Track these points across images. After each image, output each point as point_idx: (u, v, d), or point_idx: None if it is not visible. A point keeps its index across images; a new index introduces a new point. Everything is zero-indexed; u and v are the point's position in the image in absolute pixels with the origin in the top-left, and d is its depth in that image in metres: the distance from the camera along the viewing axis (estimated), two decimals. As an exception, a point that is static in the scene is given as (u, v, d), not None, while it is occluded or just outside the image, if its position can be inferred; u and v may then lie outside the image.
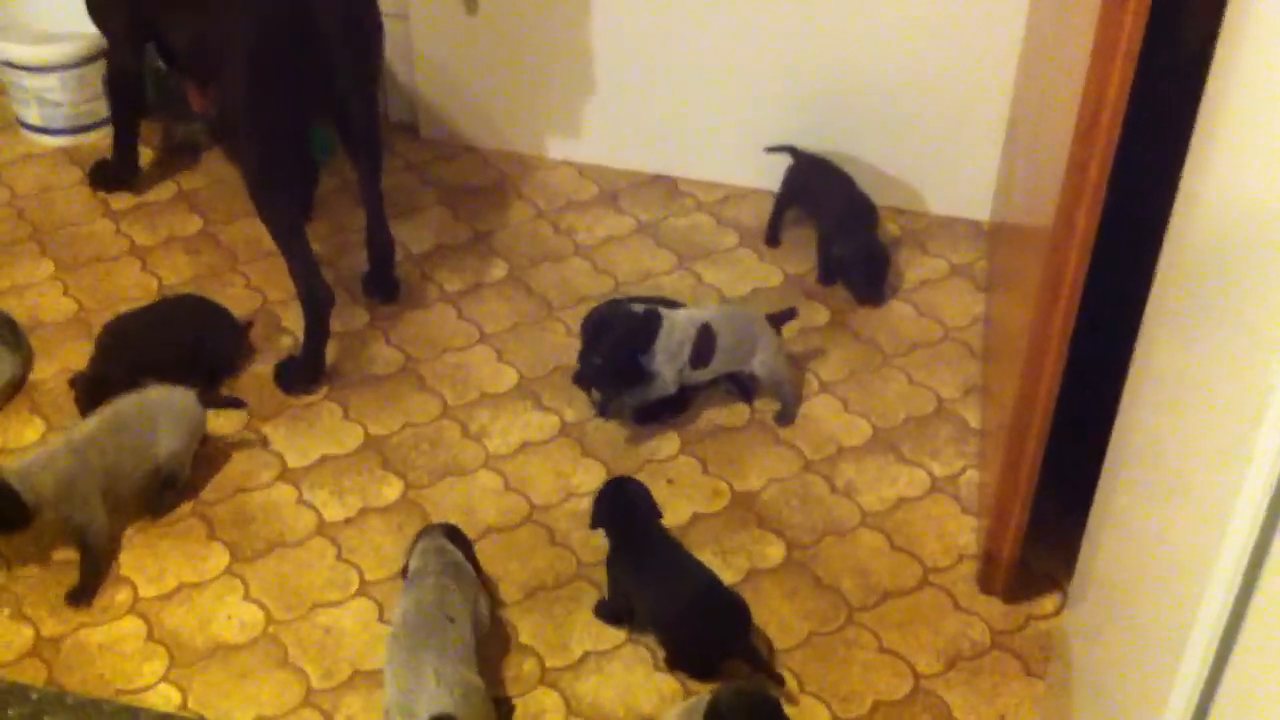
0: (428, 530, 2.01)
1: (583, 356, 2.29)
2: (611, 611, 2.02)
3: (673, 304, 2.43)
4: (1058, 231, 1.70)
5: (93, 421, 2.12)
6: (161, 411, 2.16)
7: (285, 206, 2.38)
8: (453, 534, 1.99)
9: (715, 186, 2.92)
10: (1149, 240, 1.65)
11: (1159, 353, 1.63)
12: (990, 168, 2.76)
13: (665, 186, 2.94)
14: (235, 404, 2.34)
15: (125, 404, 2.15)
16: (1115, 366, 1.78)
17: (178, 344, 2.37)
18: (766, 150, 2.80)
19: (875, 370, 2.48)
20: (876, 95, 2.75)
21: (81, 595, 2.04)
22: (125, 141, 2.86)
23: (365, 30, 2.34)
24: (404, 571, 1.96)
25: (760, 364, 2.33)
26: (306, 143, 2.38)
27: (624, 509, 2.03)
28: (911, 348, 2.53)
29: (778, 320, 2.37)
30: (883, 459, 2.29)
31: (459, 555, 1.95)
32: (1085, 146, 1.61)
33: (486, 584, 2.02)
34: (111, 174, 2.88)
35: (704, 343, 2.28)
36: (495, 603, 2.02)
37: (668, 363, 2.26)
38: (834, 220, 2.69)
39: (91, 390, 2.25)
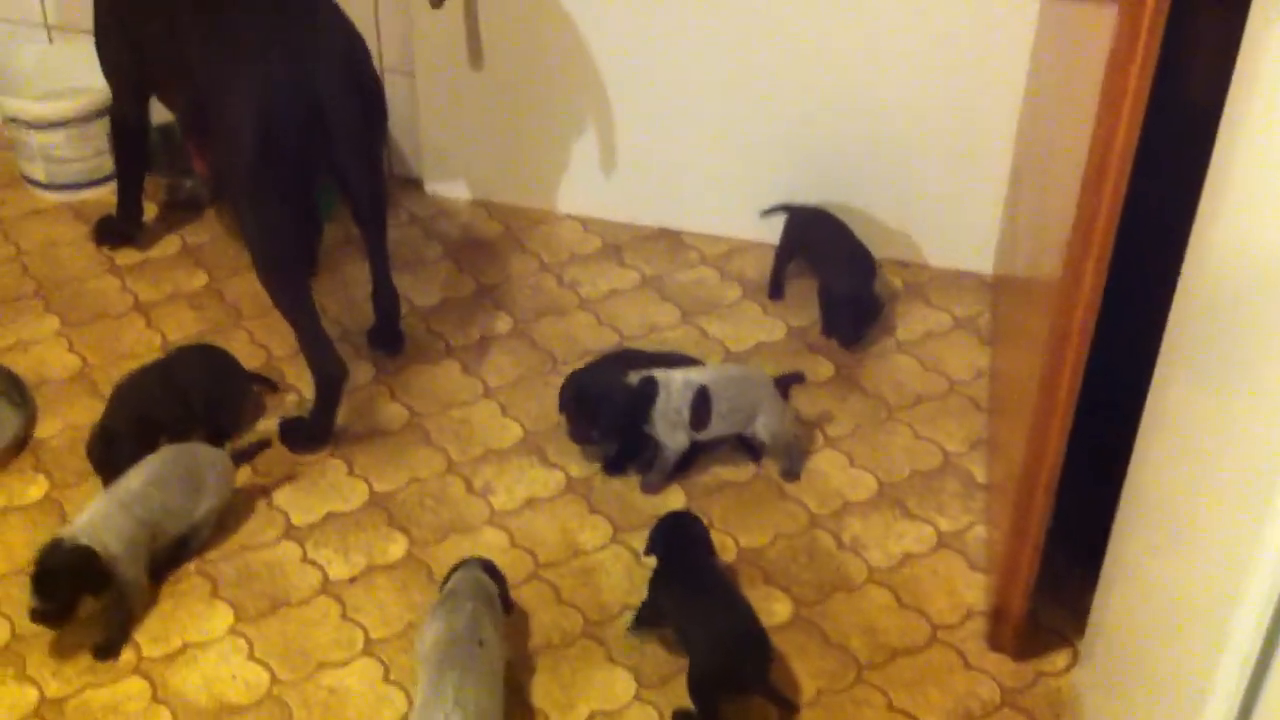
0: (465, 562, 2.04)
1: (577, 430, 2.28)
2: (641, 620, 2.06)
3: (664, 358, 2.43)
4: (1065, 285, 1.70)
5: (138, 479, 2.13)
6: (206, 469, 2.18)
7: (291, 279, 2.35)
8: (489, 568, 2.02)
9: (719, 240, 2.92)
10: (1159, 287, 1.65)
11: (1172, 401, 1.62)
12: (993, 220, 2.76)
13: (669, 240, 2.95)
14: (261, 447, 2.34)
15: (169, 461, 2.17)
16: (1126, 414, 1.78)
17: (188, 395, 2.36)
18: (762, 214, 2.82)
19: (880, 424, 2.47)
20: (878, 148, 2.76)
21: (110, 650, 2.03)
22: (129, 195, 2.86)
23: (367, 97, 2.32)
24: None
25: (763, 426, 2.31)
26: (311, 209, 2.35)
27: (680, 543, 2.07)
28: (916, 401, 2.52)
29: (784, 383, 2.35)
30: (889, 514, 2.28)
31: (494, 588, 1.98)
32: (1093, 199, 1.61)
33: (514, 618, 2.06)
34: (116, 229, 2.88)
35: (701, 406, 2.26)
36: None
37: (670, 429, 2.26)
38: (834, 268, 2.69)
39: (100, 444, 2.25)
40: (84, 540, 2.00)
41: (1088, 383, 1.80)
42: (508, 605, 2.03)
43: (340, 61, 2.25)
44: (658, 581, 2.06)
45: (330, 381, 2.37)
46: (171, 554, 2.16)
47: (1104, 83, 1.51)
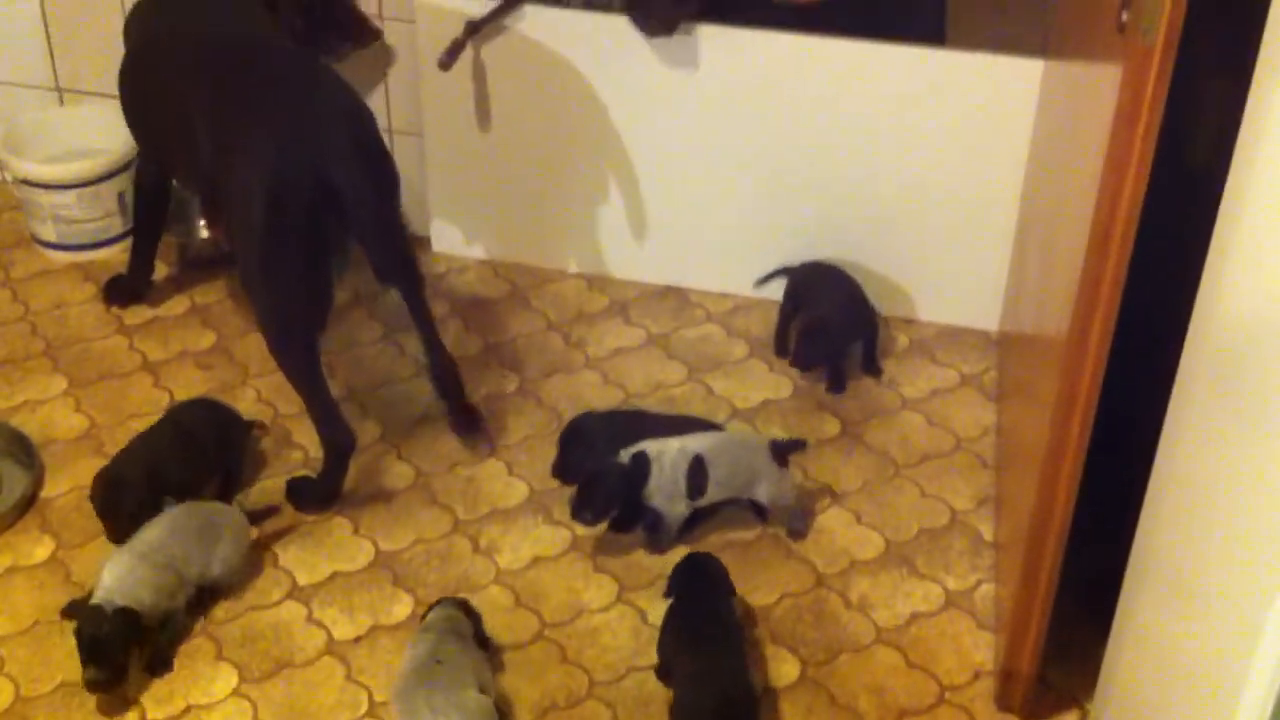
0: (440, 601, 2.10)
1: (576, 510, 2.28)
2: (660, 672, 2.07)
3: (667, 420, 2.45)
4: (1072, 345, 1.70)
5: (154, 530, 2.15)
6: (220, 522, 2.21)
7: (300, 350, 2.33)
8: (464, 606, 2.10)
9: (725, 297, 2.93)
10: (1166, 343, 1.65)
11: (1181, 459, 1.62)
12: (999, 277, 2.77)
13: (675, 298, 2.96)
14: (270, 511, 2.36)
15: (183, 514, 2.19)
16: (1135, 469, 1.77)
17: (196, 447, 2.38)
18: (756, 284, 2.83)
19: (887, 481, 2.46)
20: (883, 206, 2.77)
21: (164, 664, 2.09)
22: (143, 254, 2.86)
23: (375, 163, 2.31)
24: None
25: (764, 492, 2.31)
26: (324, 281, 2.31)
27: (694, 582, 2.10)
28: (923, 459, 2.52)
29: (783, 450, 2.33)
30: (896, 573, 2.27)
31: (465, 623, 2.05)
32: (1098, 262, 1.62)
33: (494, 655, 2.09)
34: (126, 287, 2.89)
35: (697, 474, 2.26)
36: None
37: (668, 501, 2.26)
38: (820, 301, 2.73)
39: (105, 488, 2.26)
40: (120, 601, 2.02)
41: (1096, 438, 1.80)
42: (483, 641, 2.08)
43: (346, 129, 2.25)
44: (667, 619, 2.07)
45: (338, 450, 2.37)
46: (191, 607, 2.17)
47: (1108, 146, 1.52)
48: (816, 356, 2.67)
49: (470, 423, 2.55)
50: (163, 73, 2.45)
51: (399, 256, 2.41)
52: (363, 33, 2.83)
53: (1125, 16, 1.49)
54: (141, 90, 2.54)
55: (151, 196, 2.80)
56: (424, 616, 2.08)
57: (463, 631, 2.03)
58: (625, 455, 2.27)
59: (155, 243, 2.87)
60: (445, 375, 2.53)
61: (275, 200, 2.16)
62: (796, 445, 2.36)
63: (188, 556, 2.14)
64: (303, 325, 2.31)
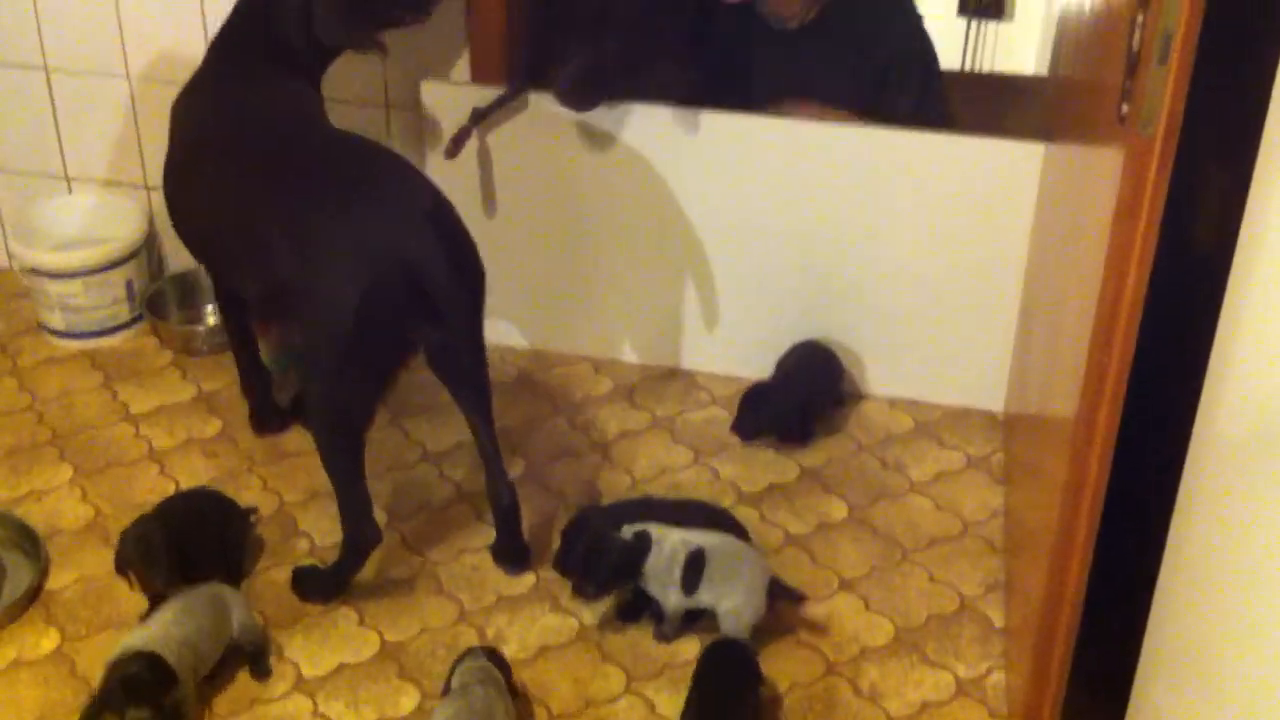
0: (470, 651, 2.10)
1: (577, 586, 2.27)
2: None
3: (679, 506, 2.44)
4: (1078, 434, 1.70)
5: (169, 609, 2.14)
6: (228, 600, 2.20)
7: (352, 449, 2.26)
8: (494, 656, 2.09)
9: (730, 380, 2.93)
10: (1177, 422, 1.65)
11: (1194, 544, 1.61)
12: (1003, 358, 2.77)
13: (680, 380, 2.96)
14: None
15: (191, 594, 2.18)
16: (1147, 552, 1.76)
17: (207, 532, 2.37)
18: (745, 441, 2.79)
19: (895, 566, 2.45)
20: (886, 288, 2.78)
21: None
22: (248, 373, 2.76)
23: (466, 259, 2.18)
24: (445, 690, 2.05)
25: (730, 605, 2.21)
26: (394, 380, 2.22)
27: (715, 673, 2.09)
28: (931, 543, 2.50)
29: (781, 593, 2.27)
30: (906, 660, 2.25)
31: (497, 673, 2.03)
32: (1103, 351, 1.62)
33: (521, 706, 2.09)
34: (257, 414, 2.80)
35: (694, 568, 2.21)
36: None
37: (662, 589, 2.23)
38: (783, 385, 2.77)
39: (139, 540, 2.26)
40: (149, 649, 2.03)
41: (1106, 522, 1.79)
42: (514, 692, 2.07)
43: (437, 228, 2.12)
44: (687, 707, 2.06)
45: (361, 547, 2.33)
46: (254, 666, 2.20)
47: (1110, 237, 1.53)
48: (749, 427, 2.70)
49: (518, 557, 2.43)
50: (219, 166, 2.34)
51: (480, 365, 2.30)
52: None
53: (1125, 108, 1.51)
54: (194, 185, 2.42)
55: (234, 314, 2.68)
56: (454, 668, 2.06)
57: (500, 684, 2.02)
58: (629, 531, 2.26)
59: (255, 359, 2.75)
60: (505, 503, 2.41)
61: (367, 304, 2.05)
62: (796, 596, 2.30)
63: (202, 629, 2.13)
64: (361, 424, 2.26)
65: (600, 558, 2.23)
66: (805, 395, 2.75)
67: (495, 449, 2.38)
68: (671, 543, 2.23)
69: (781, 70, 2.83)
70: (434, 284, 2.10)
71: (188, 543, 2.32)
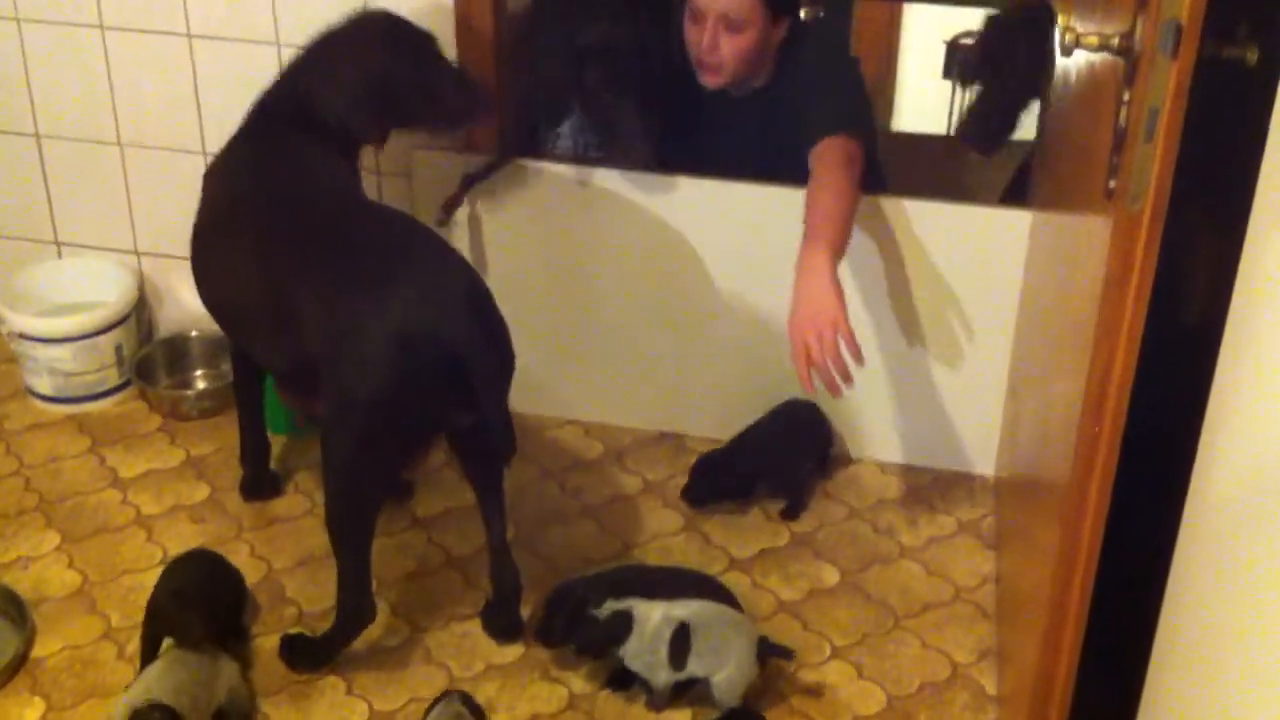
0: (446, 694, 2.14)
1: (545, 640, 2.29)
2: None
3: (666, 574, 2.44)
4: (1070, 505, 1.70)
5: (159, 664, 2.16)
6: (220, 659, 2.21)
7: (368, 522, 2.25)
8: (468, 701, 2.13)
9: (719, 443, 2.92)
10: (1171, 487, 1.65)
11: (1188, 609, 1.60)
12: (993, 421, 2.77)
13: (671, 444, 2.96)
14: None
15: (179, 650, 2.19)
16: (1142, 617, 1.76)
17: (220, 591, 2.38)
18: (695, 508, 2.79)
19: (887, 633, 2.44)
20: (876, 351, 2.78)
21: None
22: (253, 437, 2.74)
23: (499, 339, 2.19)
24: None
25: (723, 678, 2.19)
26: (422, 456, 2.24)
27: None
28: (923, 609, 2.50)
29: (769, 652, 2.24)
30: (900, 729, 2.24)
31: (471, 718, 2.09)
32: (1094, 422, 1.62)
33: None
34: (249, 483, 2.78)
35: (679, 643, 2.18)
36: None
37: (647, 669, 2.22)
38: (742, 453, 2.79)
39: (175, 598, 2.27)
40: (164, 700, 2.05)
41: (1100, 586, 1.79)
42: None
43: (470, 306, 2.13)
44: None
45: (357, 620, 2.31)
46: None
47: (1100, 310, 1.54)
48: (701, 494, 2.73)
49: (510, 629, 2.42)
50: (252, 237, 2.31)
51: (502, 446, 2.28)
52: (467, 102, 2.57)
53: (1113, 184, 1.52)
54: (224, 254, 2.38)
55: (246, 380, 2.67)
56: (427, 713, 2.07)
57: None
58: (609, 609, 2.23)
59: (259, 425, 2.73)
60: (510, 589, 2.41)
61: (398, 386, 2.06)
62: (785, 653, 2.28)
63: (195, 681, 2.13)
64: (378, 499, 2.27)
65: (576, 637, 2.23)
66: (770, 473, 2.76)
67: (503, 529, 2.37)
68: (654, 622, 2.20)
69: (728, 139, 2.82)
70: (469, 367, 2.08)
71: (213, 599, 2.33)
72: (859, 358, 2.31)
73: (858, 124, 2.62)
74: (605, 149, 2.76)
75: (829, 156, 2.52)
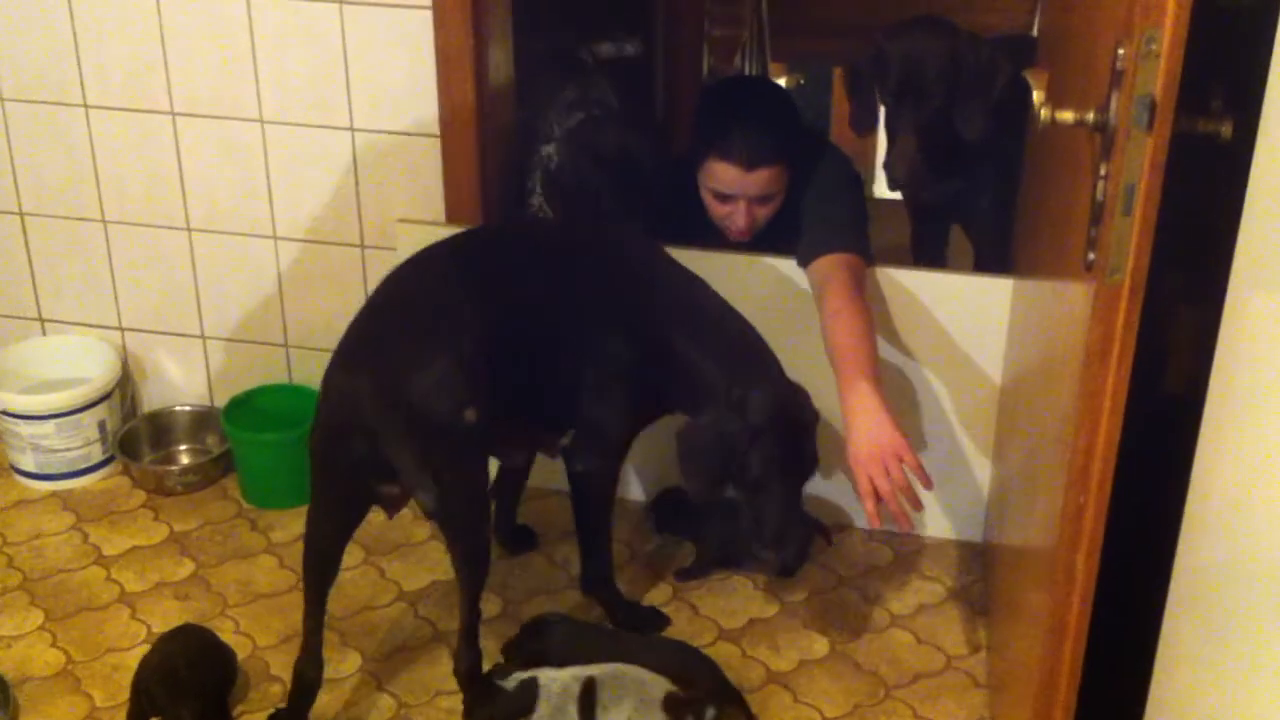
0: None
1: None
2: None
3: (640, 644, 2.44)
4: (1058, 576, 1.70)
5: None
6: None
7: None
8: None
9: (707, 513, 2.92)
10: (1158, 552, 1.65)
11: (1179, 676, 1.60)
12: (980, 487, 2.77)
13: (658, 513, 2.95)
14: None
15: None
16: (1133, 685, 1.75)
17: (211, 667, 2.37)
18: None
19: (879, 704, 2.42)
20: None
21: None
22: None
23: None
24: None
25: None
26: None
27: None
28: (914, 678, 2.48)
29: (681, 705, 2.23)
30: (893, 801, 2.22)
31: None
32: (1078, 493, 1.63)
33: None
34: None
35: (587, 699, 2.19)
36: None
37: None
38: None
39: (163, 675, 2.27)
40: None
41: (1091, 653, 1.78)
42: None
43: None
44: None
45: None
46: None
47: (1081, 381, 1.54)
48: (665, 524, 2.82)
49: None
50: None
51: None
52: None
53: (1092, 255, 1.53)
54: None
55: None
56: None
57: None
58: (515, 680, 2.23)
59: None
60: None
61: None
62: (697, 705, 2.25)
63: None
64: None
65: (484, 712, 2.22)
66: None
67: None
68: (561, 682, 2.21)
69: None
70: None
71: (204, 678, 2.32)
72: (929, 483, 2.32)
73: (860, 242, 2.66)
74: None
75: (837, 279, 2.54)
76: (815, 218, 2.68)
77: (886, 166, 2.86)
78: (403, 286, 2.34)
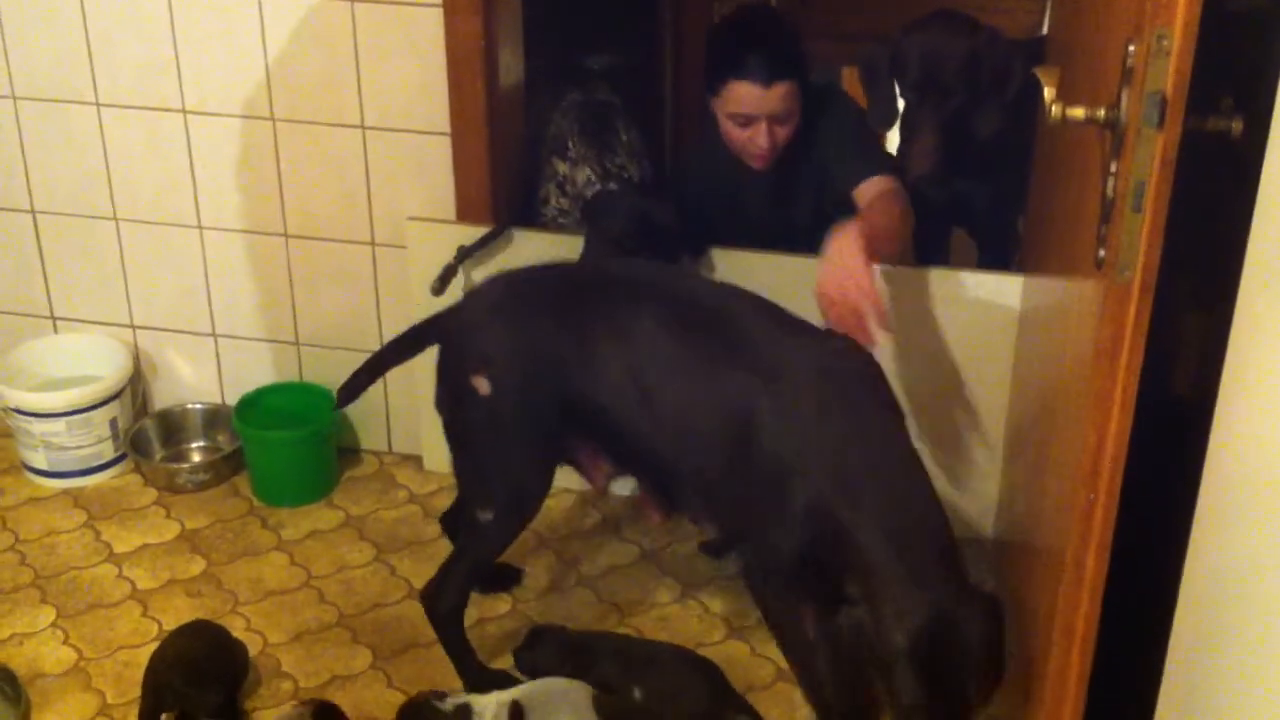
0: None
1: None
2: None
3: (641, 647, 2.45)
4: (1069, 573, 1.70)
5: None
6: None
7: None
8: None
9: (717, 511, 2.92)
10: (1169, 550, 1.64)
11: (1189, 677, 1.60)
12: (990, 483, 2.77)
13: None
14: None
15: None
16: (1144, 686, 1.75)
17: (223, 661, 2.38)
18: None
19: (889, 701, 2.42)
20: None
21: None
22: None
23: None
24: None
25: None
26: None
27: None
28: (924, 676, 2.48)
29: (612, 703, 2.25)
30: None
31: None
32: (1088, 491, 1.62)
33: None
34: None
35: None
36: None
37: None
38: None
39: (183, 667, 2.29)
40: None
41: (1101, 652, 1.78)
42: None
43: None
44: None
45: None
46: None
47: (1091, 381, 1.54)
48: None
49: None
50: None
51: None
52: None
53: (1102, 253, 1.53)
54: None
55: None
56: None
57: None
58: (451, 704, 2.23)
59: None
60: None
61: None
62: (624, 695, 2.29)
63: None
64: None
65: None
66: None
67: None
68: (491, 709, 2.21)
69: (752, 204, 2.93)
70: None
71: (222, 672, 2.34)
72: (884, 320, 2.27)
73: (889, 166, 2.78)
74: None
75: (876, 186, 2.67)
76: (845, 156, 2.78)
77: (902, 161, 2.87)
78: (592, 272, 2.46)
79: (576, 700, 2.23)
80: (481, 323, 2.33)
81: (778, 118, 2.77)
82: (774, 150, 2.81)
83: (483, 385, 2.24)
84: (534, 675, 2.36)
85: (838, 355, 2.18)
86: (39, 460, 3.00)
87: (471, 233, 2.78)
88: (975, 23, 2.84)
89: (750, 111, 2.76)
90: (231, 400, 3.09)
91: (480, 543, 2.40)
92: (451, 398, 2.33)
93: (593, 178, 2.94)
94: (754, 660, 2.52)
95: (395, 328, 2.97)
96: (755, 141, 2.79)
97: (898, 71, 2.84)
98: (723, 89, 2.77)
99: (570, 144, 2.85)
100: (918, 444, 2.74)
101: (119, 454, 3.05)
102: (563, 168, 2.96)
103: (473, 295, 2.54)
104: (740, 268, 2.73)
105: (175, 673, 2.27)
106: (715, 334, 2.21)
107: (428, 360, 2.95)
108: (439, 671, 2.49)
